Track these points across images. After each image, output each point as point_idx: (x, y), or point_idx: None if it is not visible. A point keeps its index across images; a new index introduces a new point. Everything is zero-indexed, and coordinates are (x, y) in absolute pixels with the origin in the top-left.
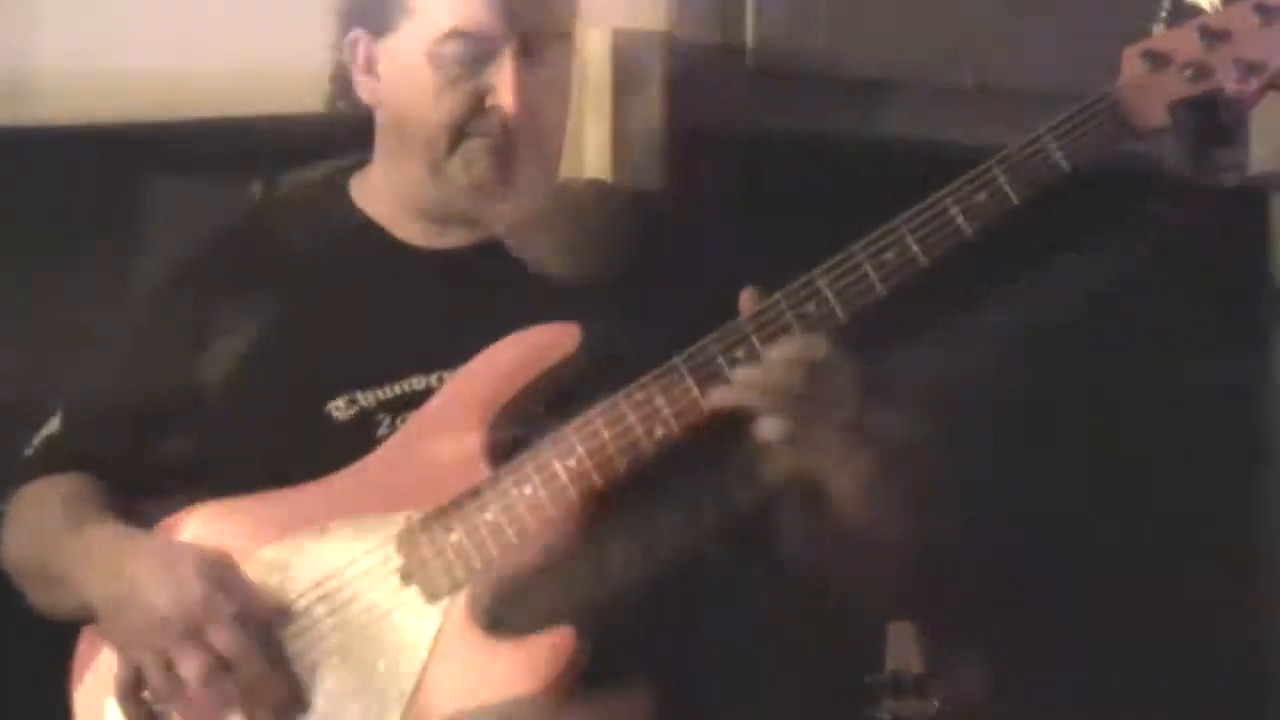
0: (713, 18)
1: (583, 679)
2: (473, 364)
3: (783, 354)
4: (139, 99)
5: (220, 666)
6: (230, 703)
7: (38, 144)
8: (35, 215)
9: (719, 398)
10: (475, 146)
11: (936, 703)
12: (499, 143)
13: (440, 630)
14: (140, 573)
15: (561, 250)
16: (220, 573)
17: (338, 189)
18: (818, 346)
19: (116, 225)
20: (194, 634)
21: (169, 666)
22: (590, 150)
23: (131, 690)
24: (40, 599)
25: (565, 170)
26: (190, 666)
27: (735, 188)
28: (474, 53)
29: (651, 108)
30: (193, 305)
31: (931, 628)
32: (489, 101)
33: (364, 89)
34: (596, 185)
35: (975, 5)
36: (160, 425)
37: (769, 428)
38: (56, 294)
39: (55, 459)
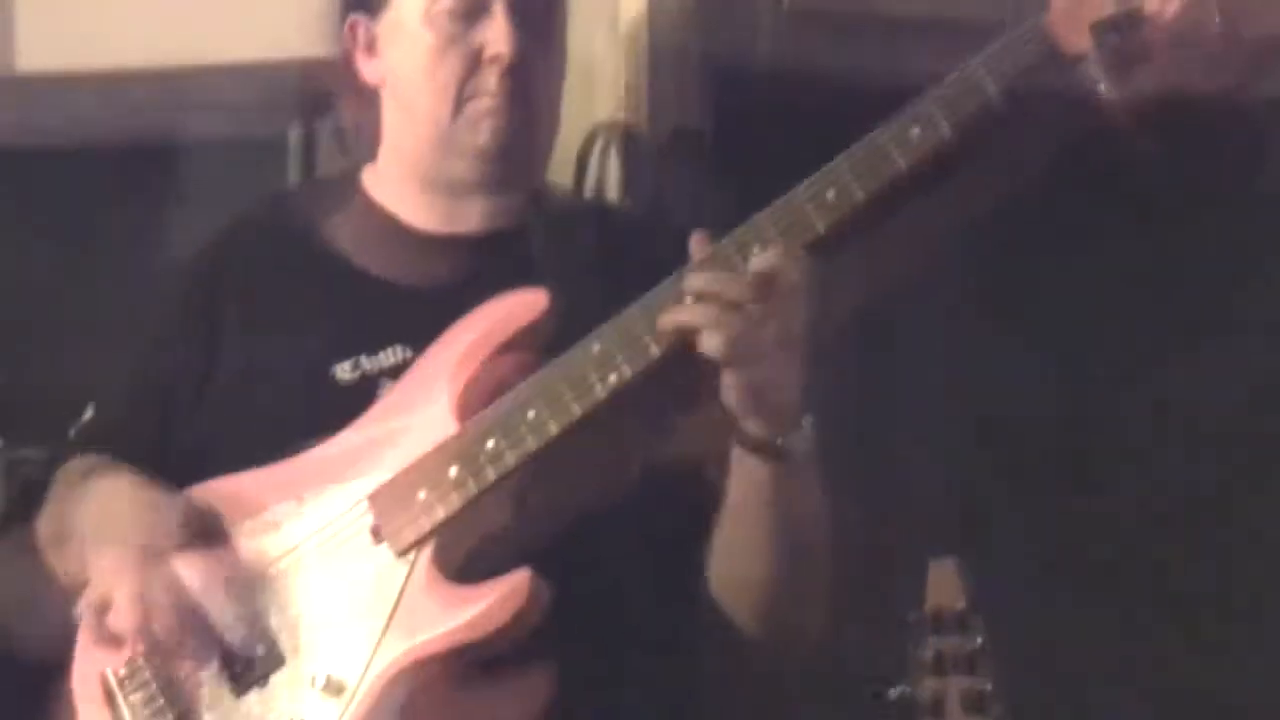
0: None
1: (541, 628)
2: (444, 336)
3: (757, 265)
4: (166, 44)
5: (188, 607)
6: (191, 643)
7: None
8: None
9: (669, 318)
10: (479, 108)
11: (979, 639)
12: (500, 103)
13: (406, 581)
14: (128, 508)
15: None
16: (203, 522)
17: (350, 181)
18: (790, 260)
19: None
20: (166, 571)
21: (139, 598)
22: (625, 92)
23: (99, 612)
24: (56, 564)
25: (604, 111)
26: (158, 598)
27: (769, 129)
28: (467, 7)
29: (686, 49)
30: (209, 297)
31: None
32: (486, 54)
33: (367, 71)
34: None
35: None
36: (181, 410)
37: (710, 342)
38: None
39: (88, 444)
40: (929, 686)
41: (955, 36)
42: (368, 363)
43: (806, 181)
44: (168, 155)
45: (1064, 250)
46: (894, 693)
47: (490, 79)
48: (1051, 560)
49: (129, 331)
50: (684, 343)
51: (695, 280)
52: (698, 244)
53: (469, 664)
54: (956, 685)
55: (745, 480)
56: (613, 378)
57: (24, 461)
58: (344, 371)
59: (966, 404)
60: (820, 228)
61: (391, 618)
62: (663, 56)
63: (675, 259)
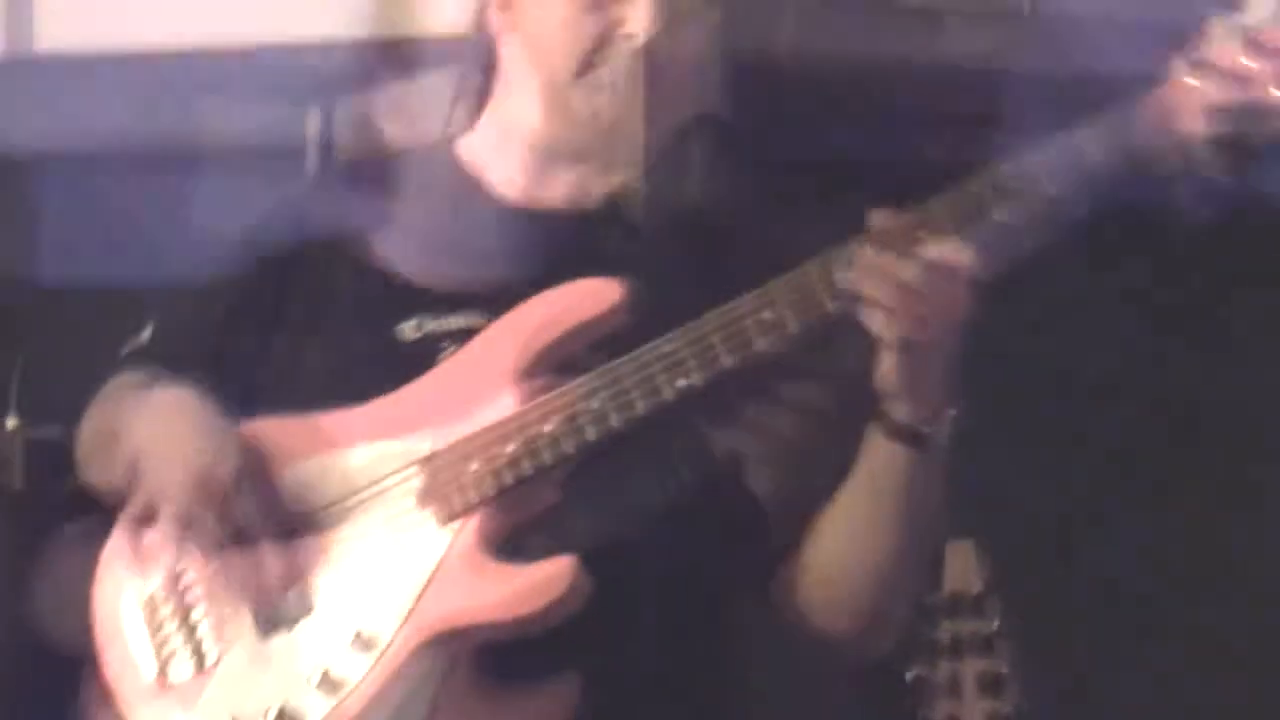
0: None
1: (577, 621)
2: (515, 310)
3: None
4: (188, 26)
5: (232, 536)
6: (226, 574)
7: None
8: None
9: (850, 279)
10: (602, 75)
11: (996, 622)
12: (622, 80)
13: (448, 550)
14: (190, 429)
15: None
16: (257, 458)
17: (443, 145)
18: (965, 253)
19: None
20: (217, 496)
21: (187, 517)
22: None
23: (140, 523)
24: (96, 471)
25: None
26: (206, 521)
27: (789, 115)
28: None
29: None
30: (285, 242)
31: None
32: (623, 29)
33: (497, 20)
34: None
35: None
36: (243, 341)
37: (880, 319)
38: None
39: (143, 362)
40: (945, 669)
41: (975, 23)
42: (432, 323)
43: (980, 173)
44: (188, 137)
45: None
46: (910, 676)
47: (620, 54)
48: (1070, 544)
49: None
50: (814, 326)
51: (869, 257)
52: (878, 219)
53: (497, 648)
54: (972, 667)
55: (880, 465)
56: (681, 382)
57: (44, 441)
58: (407, 331)
59: (983, 384)
60: (997, 217)
61: (429, 583)
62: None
63: (755, 268)
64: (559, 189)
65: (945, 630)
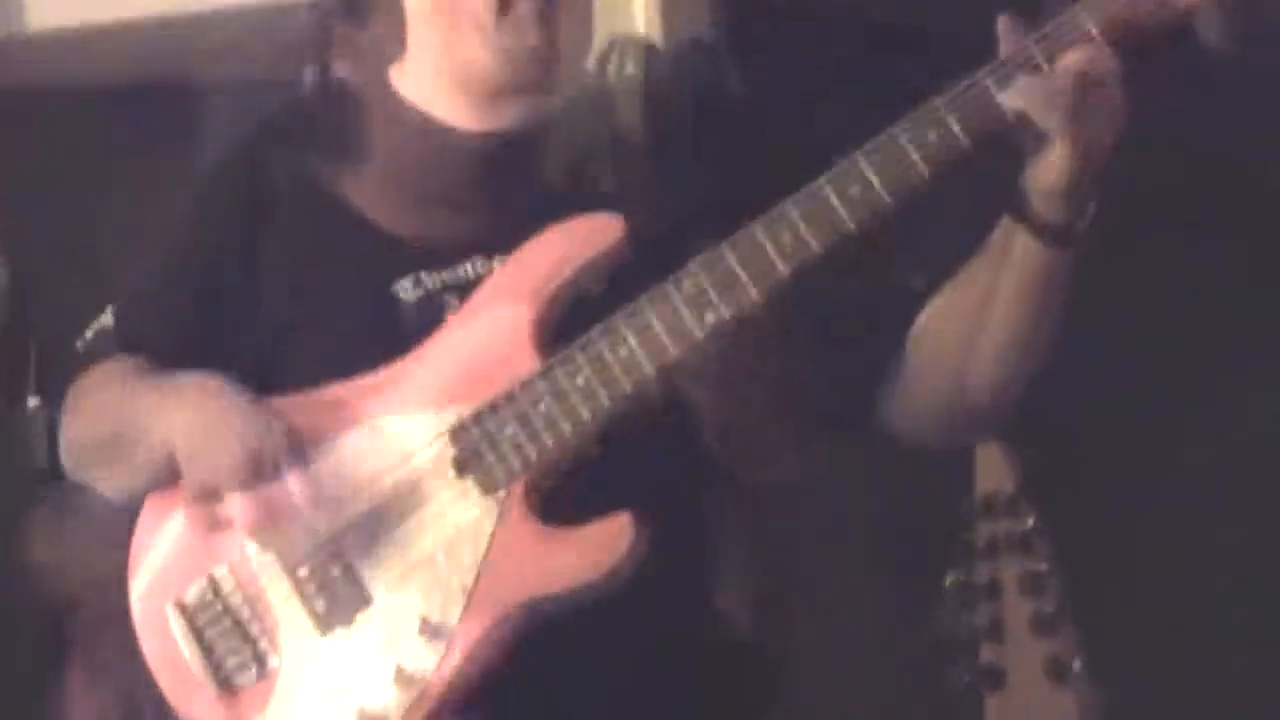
0: None
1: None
2: (517, 255)
3: (1069, 64)
4: None
5: (297, 518)
6: (294, 556)
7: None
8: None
9: (1010, 98)
10: (523, 8)
11: (1031, 520)
12: (545, 9)
13: (499, 521)
14: (234, 415)
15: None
16: (297, 438)
17: (378, 81)
18: (1107, 58)
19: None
20: (274, 474)
21: (256, 499)
22: (638, 8)
23: (204, 500)
24: (111, 475)
25: (617, 26)
26: (262, 495)
27: (786, 44)
28: None
29: None
30: (246, 192)
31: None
32: None
33: None
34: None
35: None
36: (215, 312)
37: (1047, 114)
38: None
39: (108, 347)
40: (984, 571)
41: None
42: (429, 279)
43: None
44: (183, 102)
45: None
46: (948, 581)
47: None
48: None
49: (150, 238)
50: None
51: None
52: (1006, 26)
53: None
54: (1011, 568)
55: (1026, 264)
56: (710, 317)
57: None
58: (406, 291)
59: None
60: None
61: (486, 558)
62: None
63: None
64: (509, 115)
65: (981, 532)
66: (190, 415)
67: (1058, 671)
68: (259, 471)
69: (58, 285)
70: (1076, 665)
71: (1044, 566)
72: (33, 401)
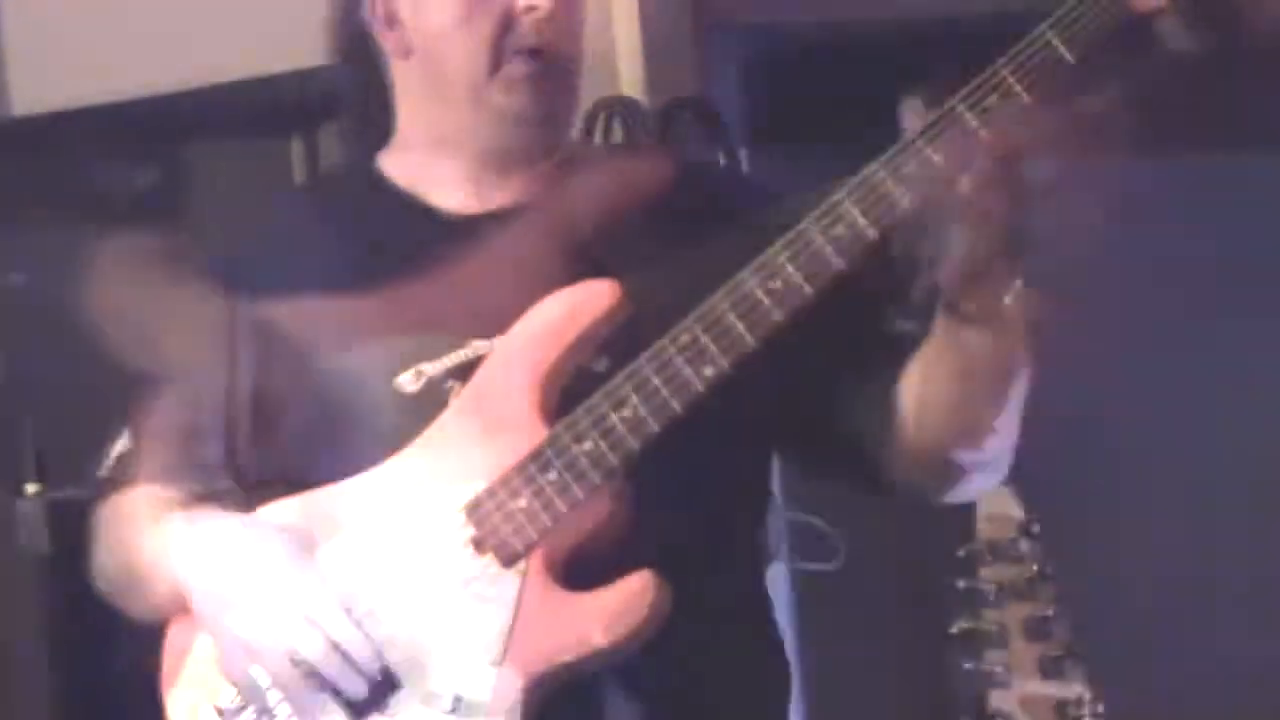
0: None
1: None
2: (515, 329)
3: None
4: (160, 70)
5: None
6: (345, 685)
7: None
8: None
9: (994, 127)
10: (515, 68)
11: (1035, 566)
12: (537, 69)
13: (520, 592)
14: (243, 560)
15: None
16: (311, 548)
17: (366, 170)
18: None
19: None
20: (310, 621)
21: (290, 656)
22: (622, 50)
23: (245, 685)
24: (133, 606)
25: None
26: (314, 649)
27: (762, 85)
28: None
29: (680, 20)
30: (244, 302)
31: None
32: (520, 6)
33: (390, 44)
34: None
35: None
36: (227, 426)
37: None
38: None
39: (129, 473)
40: (990, 618)
41: None
42: (430, 368)
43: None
44: (176, 178)
45: None
46: (955, 629)
47: (528, 32)
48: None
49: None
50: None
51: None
52: (915, 118)
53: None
54: (1017, 613)
55: (960, 349)
56: (709, 370)
57: (66, 503)
58: (408, 383)
59: None
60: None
61: (512, 631)
62: (657, 30)
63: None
64: (507, 192)
65: (986, 579)
66: (200, 566)
67: (1066, 714)
68: (298, 613)
69: (55, 371)
70: (1086, 707)
71: (1049, 611)
72: (31, 488)
